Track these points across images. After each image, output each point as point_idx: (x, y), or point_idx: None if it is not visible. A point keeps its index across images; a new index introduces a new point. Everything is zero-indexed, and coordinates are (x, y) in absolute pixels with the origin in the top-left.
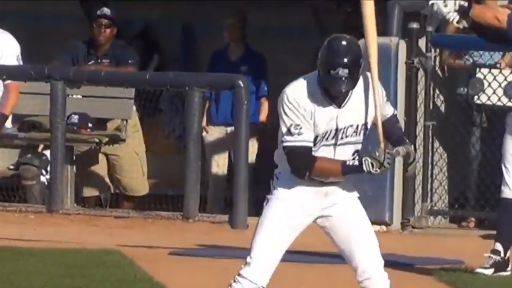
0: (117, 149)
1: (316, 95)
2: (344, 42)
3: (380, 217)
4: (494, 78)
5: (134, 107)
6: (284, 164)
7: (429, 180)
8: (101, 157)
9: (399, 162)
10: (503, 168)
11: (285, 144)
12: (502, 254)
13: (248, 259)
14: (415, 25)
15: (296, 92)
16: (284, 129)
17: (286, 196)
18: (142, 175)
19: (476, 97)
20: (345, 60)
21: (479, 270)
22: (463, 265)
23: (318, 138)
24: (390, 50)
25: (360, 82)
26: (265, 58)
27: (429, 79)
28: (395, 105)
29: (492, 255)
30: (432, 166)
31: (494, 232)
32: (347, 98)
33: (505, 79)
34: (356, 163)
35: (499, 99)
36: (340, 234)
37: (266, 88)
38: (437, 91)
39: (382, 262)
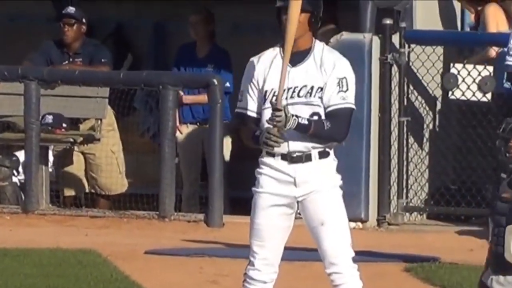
0: (93, 148)
1: (274, 55)
2: None
3: (356, 214)
4: (469, 74)
5: (109, 106)
6: (263, 151)
7: (405, 177)
8: (79, 156)
9: (374, 157)
10: None
11: (236, 108)
12: None
13: (250, 257)
14: (388, 21)
15: (257, 56)
16: (239, 93)
17: (262, 188)
18: (119, 173)
19: (450, 92)
20: None
21: None
22: (440, 261)
23: (269, 95)
24: (364, 47)
25: (321, 49)
26: (228, 54)
27: (403, 75)
28: (368, 102)
29: None
30: (407, 163)
31: (470, 228)
32: (303, 60)
33: (479, 74)
34: (257, 133)
35: (473, 95)
36: (309, 223)
37: (228, 84)
38: (411, 87)
39: (350, 255)
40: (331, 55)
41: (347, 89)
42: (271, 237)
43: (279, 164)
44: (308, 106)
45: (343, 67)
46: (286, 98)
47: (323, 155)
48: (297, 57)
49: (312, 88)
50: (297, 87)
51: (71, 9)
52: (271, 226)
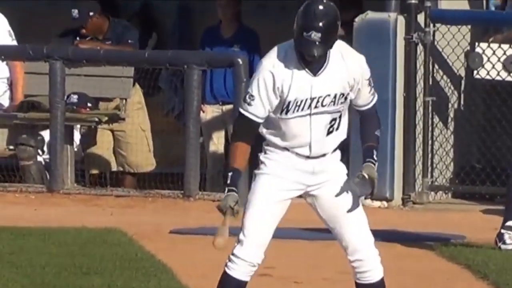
0: (123, 125)
1: (292, 62)
2: (320, 7)
3: (381, 193)
4: (494, 53)
5: (137, 85)
6: (270, 137)
7: (429, 156)
8: (107, 134)
9: (399, 137)
10: None
11: (239, 108)
12: None
13: (240, 236)
14: (413, 0)
15: (272, 61)
16: (245, 94)
17: (272, 171)
18: (148, 151)
19: (475, 72)
20: (319, 24)
21: (504, 247)
22: (465, 240)
23: (292, 106)
24: (389, 26)
25: (337, 51)
26: (257, 34)
27: (428, 54)
28: (394, 81)
29: (508, 231)
30: (432, 142)
31: (495, 207)
32: (323, 67)
33: (504, 54)
34: (228, 181)
35: (498, 74)
36: (327, 213)
37: None
38: (436, 66)
39: (372, 240)
40: (351, 57)
41: (373, 84)
42: (268, 220)
43: (294, 156)
44: (330, 114)
45: (365, 66)
46: (310, 108)
47: (335, 149)
48: (316, 65)
49: (335, 96)
50: (321, 96)
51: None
52: (270, 209)
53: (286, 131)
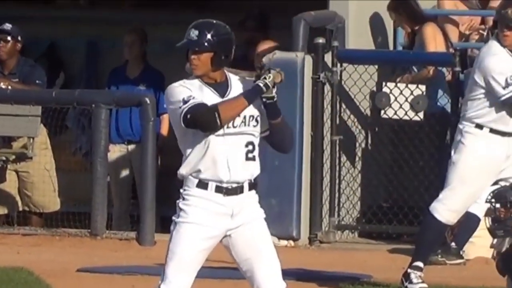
0: (27, 166)
1: (197, 85)
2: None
3: (287, 232)
4: (401, 93)
5: (42, 125)
6: (189, 182)
7: (336, 195)
8: (12, 175)
9: (306, 176)
10: (447, 186)
11: (184, 110)
12: (423, 270)
13: (162, 285)
14: (321, 40)
15: (181, 82)
16: (179, 105)
17: (193, 219)
18: (53, 191)
19: (382, 111)
20: (195, 28)
21: (410, 286)
22: (371, 279)
23: None
24: (296, 65)
25: (235, 78)
26: (163, 74)
27: (336, 93)
28: (301, 121)
29: (414, 271)
30: (339, 181)
31: (402, 246)
32: (227, 90)
33: (412, 93)
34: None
35: (405, 114)
36: (242, 255)
37: (165, 105)
38: (344, 106)
39: (284, 285)
40: (248, 81)
41: None
42: (192, 269)
43: (214, 196)
44: (244, 136)
45: None
46: (223, 129)
47: (252, 186)
48: (221, 89)
49: (245, 117)
50: None
51: (7, 26)
52: (195, 258)
53: (204, 155)
